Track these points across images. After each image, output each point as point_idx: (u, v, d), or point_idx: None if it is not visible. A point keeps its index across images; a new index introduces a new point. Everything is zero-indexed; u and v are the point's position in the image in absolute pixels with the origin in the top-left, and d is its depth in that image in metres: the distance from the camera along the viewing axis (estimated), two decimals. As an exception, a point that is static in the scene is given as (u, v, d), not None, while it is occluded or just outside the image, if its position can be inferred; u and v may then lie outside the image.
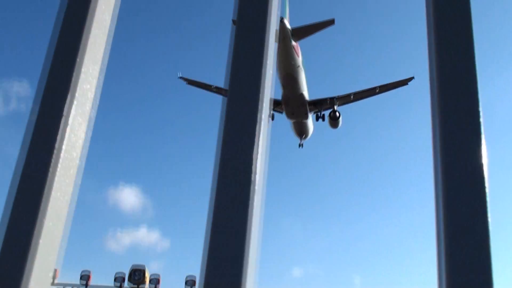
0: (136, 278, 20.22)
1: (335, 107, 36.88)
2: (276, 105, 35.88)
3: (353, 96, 37.14)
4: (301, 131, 39.02)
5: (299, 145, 40.71)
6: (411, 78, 39.51)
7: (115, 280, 20.66)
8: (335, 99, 36.60)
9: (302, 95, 35.17)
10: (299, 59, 34.23)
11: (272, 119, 35.04)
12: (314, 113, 37.49)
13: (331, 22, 34.51)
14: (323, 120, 37.62)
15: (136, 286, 20.47)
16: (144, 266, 20.45)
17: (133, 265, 20.64)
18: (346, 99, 37.27)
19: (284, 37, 30.97)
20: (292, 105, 35.09)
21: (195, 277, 20.36)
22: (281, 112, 37.01)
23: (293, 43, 33.48)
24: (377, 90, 37.93)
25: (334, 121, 37.30)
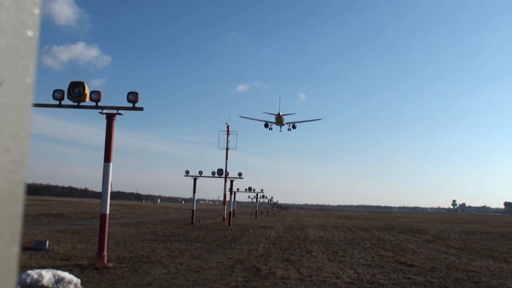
0: (76, 91, 19.09)
1: (295, 125, 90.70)
2: (272, 123, 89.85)
3: (300, 122, 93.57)
4: (281, 126, 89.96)
5: (280, 129, 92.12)
6: (319, 119, 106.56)
7: (53, 96, 19.43)
8: (295, 122, 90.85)
9: (283, 123, 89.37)
10: (284, 118, 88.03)
11: (271, 128, 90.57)
12: (287, 124, 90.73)
13: (293, 114, 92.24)
14: (290, 130, 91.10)
15: (76, 103, 19.55)
16: (83, 82, 19.31)
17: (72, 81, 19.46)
18: (299, 122, 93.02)
19: (280, 118, 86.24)
20: (280, 125, 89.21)
21: (137, 93, 19.69)
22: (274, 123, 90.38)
23: (282, 116, 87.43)
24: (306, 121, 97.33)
25: (294, 128, 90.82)
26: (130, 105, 19.87)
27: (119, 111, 20.31)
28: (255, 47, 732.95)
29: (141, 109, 20.07)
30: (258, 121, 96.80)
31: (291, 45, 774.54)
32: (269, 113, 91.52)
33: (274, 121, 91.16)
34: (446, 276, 20.19)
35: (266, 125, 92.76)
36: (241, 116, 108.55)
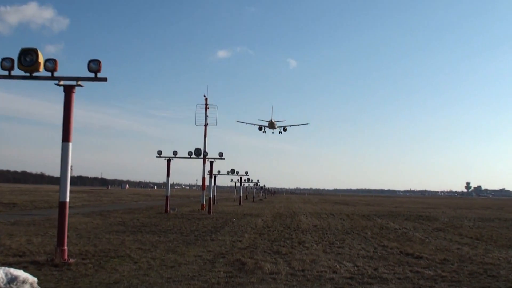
0: (28, 60, 18.88)
1: (285, 128, 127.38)
2: (266, 127, 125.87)
3: (290, 126, 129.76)
4: (273, 129, 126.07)
5: (272, 132, 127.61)
6: (307, 123, 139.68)
7: (1, 65, 19.07)
8: (285, 126, 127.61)
9: (275, 127, 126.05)
10: (276, 123, 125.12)
11: (265, 132, 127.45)
12: (279, 128, 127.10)
13: (284, 120, 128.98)
14: (281, 132, 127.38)
15: (28, 74, 19.35)
16: (36, 49, 19.06)
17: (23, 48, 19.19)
18: (289, 126, 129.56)
19: (272, 123, 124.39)
20: (272, 129, 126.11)
21: (99, 61, 19.51)
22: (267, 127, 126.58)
23: (274, 122, 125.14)
24: (296, 125, 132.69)
25: (284, 131, 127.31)
26: (92, 75, 19.72)
27: (79, 83, 20.13)
28: (237, 7, 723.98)
29: (104, 79, 19.93)
30: (253, 125, 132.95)
31: (279, 4, 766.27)
32: (263, 120, 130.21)
33: (267, 125, 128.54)
34: (459, 269, 20.41)
35: (260, 128, 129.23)
36: (238, 121, 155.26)
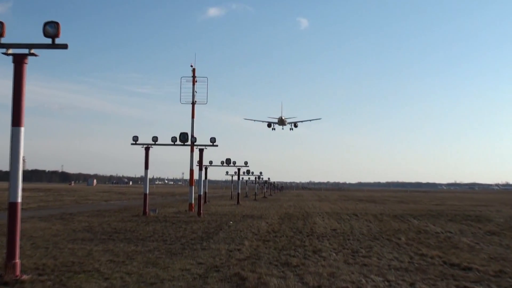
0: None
1: (296, 124, 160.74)
2: (275, 123, 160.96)
3: (301, 122, 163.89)
4: (283, 126, 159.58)
5: (282, 128, 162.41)
6: (319, 119, 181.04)
7: None
8: (296, 122, 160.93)
9: (285, 124, 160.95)
10: (286, 120, 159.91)
11: (274, 129, 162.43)
12: (289, 124, 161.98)
13: (295, 117, 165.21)
14: (292, 129, 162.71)
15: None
16: None
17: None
18: (300, 122, 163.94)
19: (282, 120, 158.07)
20: (282, 125, 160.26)
21: (58, 24, 19.40)
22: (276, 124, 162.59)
23: (284, 118, 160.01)
24: (309, 120, 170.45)
25: (295, 127, 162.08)
26: (49, 41, 19.67)
27: (32, 51, 20.07)
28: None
29: (64, 46, 19.87)
30: (261, 122, 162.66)
31: None
32: (273, 117, 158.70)
33: (277, 122, 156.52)
34: (518, 283, 20.45)
35: (269, 125, 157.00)
36: (245, 119, 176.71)
